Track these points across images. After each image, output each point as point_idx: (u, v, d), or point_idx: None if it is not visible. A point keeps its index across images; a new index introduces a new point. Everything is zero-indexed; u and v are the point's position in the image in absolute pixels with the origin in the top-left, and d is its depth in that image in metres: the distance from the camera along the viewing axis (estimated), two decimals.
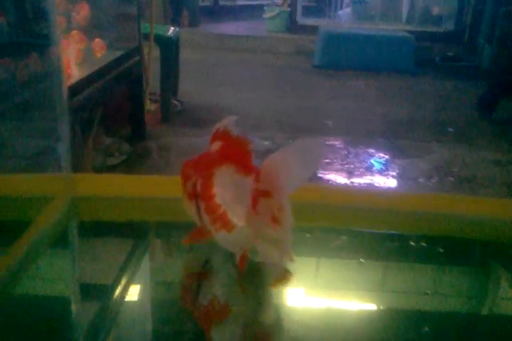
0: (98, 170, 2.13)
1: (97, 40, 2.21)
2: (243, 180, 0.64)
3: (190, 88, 4.09)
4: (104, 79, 1.96)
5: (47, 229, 0.79)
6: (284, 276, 0.71)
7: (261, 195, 0.61)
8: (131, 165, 2.33)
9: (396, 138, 3.10)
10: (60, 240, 0.83)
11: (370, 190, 1.31)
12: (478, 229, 0.90)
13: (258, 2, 9.54)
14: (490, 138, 3.29)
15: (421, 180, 2.44)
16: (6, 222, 0.85)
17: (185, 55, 5.53)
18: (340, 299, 0.74)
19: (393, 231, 0.91)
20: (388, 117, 3.71)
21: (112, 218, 0.89)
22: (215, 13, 8.89)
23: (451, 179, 2.45)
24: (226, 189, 0.65)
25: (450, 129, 3.44)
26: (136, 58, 2.52)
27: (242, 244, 0.67)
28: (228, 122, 0.66)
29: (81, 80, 1.69)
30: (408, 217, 0.91)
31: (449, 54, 6.08)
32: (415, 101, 4.28)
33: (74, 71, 1.77)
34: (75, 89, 1.61)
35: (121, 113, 2.51)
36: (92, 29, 2.06)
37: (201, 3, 8.77)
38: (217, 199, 0.65)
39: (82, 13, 1.97)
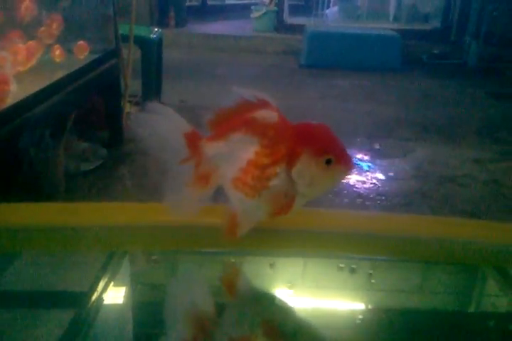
0: (72, 175, 2.10)
1: (80, 42, 2.18)
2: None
3: (175, 89, 4.05)
4: (74, 83, 1.93)
5: None
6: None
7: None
8: (107, 169, 2.30)
9: (378, 137, 3.08)
10: None
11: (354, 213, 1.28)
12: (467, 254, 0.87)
13: (247, 2, 9.51)
14: (474, 136, 3.29)
15: (400, 180, 2.42)
16: None
17: (170, 55, 5.48)
18: (328, 299, 0.74)
19: (380, 257, 0.88)
20: (372, 116, 3.70)
21: (31, 249, 0.85)
22: (204, 12, 8.84)
23: (432, 178, 2.44)
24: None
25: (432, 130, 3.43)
26: (113, 61, 2.48)
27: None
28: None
29: (47, 86, 1.65)
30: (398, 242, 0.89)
31: (436, 52, 6.08)
32: (400, 99, 4.27)
33: (38, 77, 1.73)
34: (40, 96, 1.58)
35: (97, 117, 2.48)
36: (63, 33, 2.02)
37: (189, 3, 8.72)
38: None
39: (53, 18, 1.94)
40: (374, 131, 3.28)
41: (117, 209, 0.94)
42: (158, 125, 0.65)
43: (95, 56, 2.20)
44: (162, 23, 7.02)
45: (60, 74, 1.78)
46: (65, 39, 2.07)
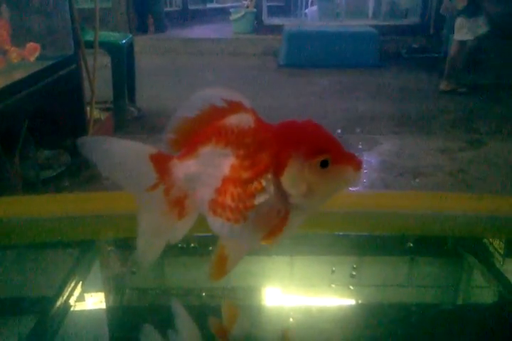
0: (32, 184, 2.09)
1: (30, 44, 2.16)
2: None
3: (152, 94, 4.05)
4: (25, 91, 1.91)
5: None
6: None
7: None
8: (69, 176, 2.29)
9: (349, 132, 3.07)
10: None
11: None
12: (451, 225, 0.88)
13: (228, 5, 9.53)
14: (446, 127, 3.28)
15: (365, 172, 2.42)
16: None
17: (148, 61, 5.49)
18: (317, 296, 0.73)
19: (366, 233, 0.89)
20: (347, 112, 3.69)
21: None
22: (185, 17, 8.85)
23: (396, 170, 2.43)
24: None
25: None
26: (72, 67, 2.47)
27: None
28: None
29: None
30: (381, 217, 0.89)
31: (415, 46, 6.09)
32: (378, 94, 4.27)
33: None
34: None
35: (59, 124, 2.46)
36: (13, 39, 2.01)
37: (170, 8, 8.73)
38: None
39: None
40: (346, 126, 3.27)
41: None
42: (116, 151, 0.53)
43: (48, 62, 2.18)
44: (141, 29, 7.03)
45: (4, 82, 1.76)
46: (16, 45, 2.06)
